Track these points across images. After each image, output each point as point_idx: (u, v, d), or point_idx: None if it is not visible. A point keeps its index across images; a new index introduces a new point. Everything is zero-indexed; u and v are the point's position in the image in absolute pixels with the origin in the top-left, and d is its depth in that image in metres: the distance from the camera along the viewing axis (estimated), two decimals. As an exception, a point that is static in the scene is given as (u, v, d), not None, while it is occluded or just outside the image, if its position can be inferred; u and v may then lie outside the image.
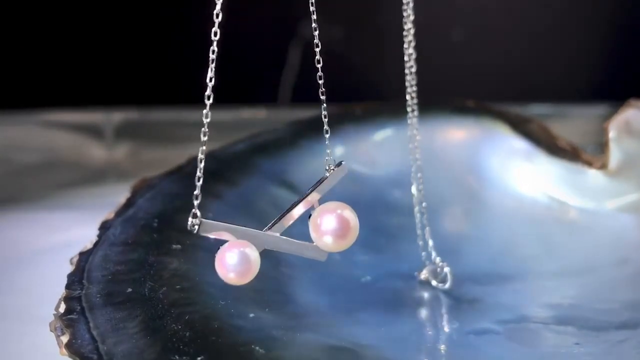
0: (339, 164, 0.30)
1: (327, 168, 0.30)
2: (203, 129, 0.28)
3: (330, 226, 0.29)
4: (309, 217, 0.30)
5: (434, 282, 0.37)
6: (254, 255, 0.29)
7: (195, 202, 0.29)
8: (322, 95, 0.29)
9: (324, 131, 0.30)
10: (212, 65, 0.27)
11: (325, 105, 0.29)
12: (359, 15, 0.66)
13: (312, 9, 0.29)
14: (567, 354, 0.32)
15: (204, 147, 0.29)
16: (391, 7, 0.64)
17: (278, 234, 0.30)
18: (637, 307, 0.35)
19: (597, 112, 0.63)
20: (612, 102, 0.57)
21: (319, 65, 0.29)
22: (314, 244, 0.30)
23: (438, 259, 0.37)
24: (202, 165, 0.29)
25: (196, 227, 0.29)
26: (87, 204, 0.52)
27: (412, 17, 0.36)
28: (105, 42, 0.68)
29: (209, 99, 0.28)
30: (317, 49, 0.29)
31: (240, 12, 0.66)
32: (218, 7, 0.28)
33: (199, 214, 0.29)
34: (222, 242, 0.29)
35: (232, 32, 0.66)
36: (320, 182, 0.30)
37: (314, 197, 0.30)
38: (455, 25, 0.67)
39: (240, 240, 0.29)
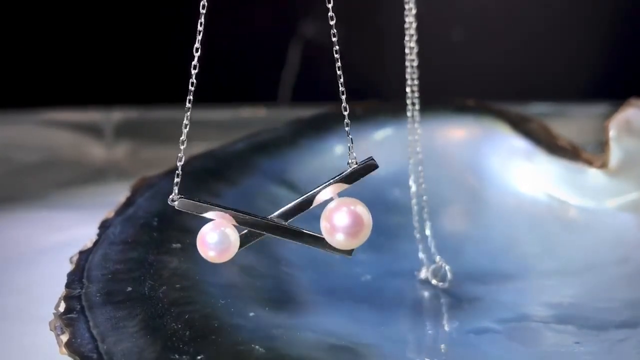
0: (368, 159, 0.29)
1: (350, 162, 0.29)
2: (188, 96, 0.28)
3: (342, 222, 0.28)
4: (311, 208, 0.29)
5: (433, 281, 0.37)
6: (233, 235, 0.29)
7: (176, 180, 0.29)
8: (343, 94, 0.29)
9: (345, 124, 0.29)
10: (199, 37, 0.28)
11: (344, 96, 0.29)
12: (359, 15, 0.66)
13: (330, 14, 0.29)
14: (567, 353, 0.32)
15: (187, 126, 0.29)
16: (391, 7, 0.64)
17: (285, 222, 0.29)
18: (637, 306, 0.35)
19: (597, 111, 0.63)
20: (612, 101, 0.57)
21: (338, 64, 0.28)
22: (324, 237, 0.29)
23: (438, 257, 0.37)
24: (183, 147, 0.29)
25: (175, 202, 0.29)
26: (87, 203, 0.52)
27: (414, 11, 0.36)
28: (105, 41, 0.68)
29: (195, 68, 0.28)
30: (337, 54, 0.29)
31: (240, 11, 0.66)
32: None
33: (176, 190, 0.29)
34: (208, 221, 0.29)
35: (232, 31, 0.66)
36: (342, 173, 0.29)
37: (338, 187, 0.29)
38: (455, 25, 0.67)
39: (221, 219, 0.29)
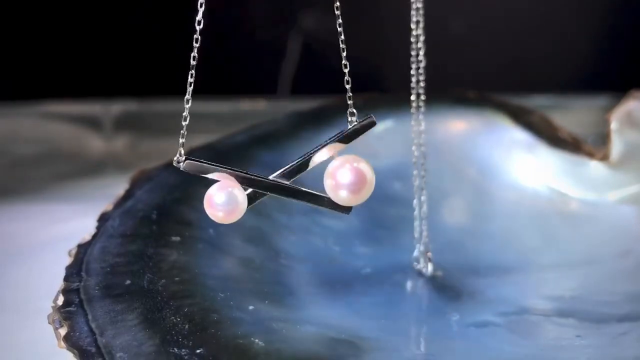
0: (367, 118, 0.29)
1: (350, 121, 0.29)
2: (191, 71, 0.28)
3: (346, 179, 0.28)
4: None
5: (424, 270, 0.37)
6: (241, 195, 0.29)
7: (181, 140, 0.29)
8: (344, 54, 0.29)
9: (345, 82, 0.29)
10: (198, 28, 0.27)
11: (348, 67, 0.29)
12: (359, 6, 0.66)
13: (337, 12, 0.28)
14: (568, 347, 0.32)
15: (190, 90, 0.28)
16: (392, -2, 0.64)
17: (287, 182, 0.29)
18: (638, 299, 0.35)
19: (599, 103, 0.63)
20: (614, 94, 0.57)
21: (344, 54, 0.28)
22: (328, 196, 0.29)
23: (422, 248, 0.37)
24: (188, 105, 0.29)
25: (181, 164, 0.29)
26: (85, 195, 0.52)
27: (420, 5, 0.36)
28: (104, 33, 0.67)
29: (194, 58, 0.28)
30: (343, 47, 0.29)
31: (239, 3, 0.65)
32: None
33: (182, 151, 0.29)
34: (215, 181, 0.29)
35: (232, 23, 0.66)
36: (342, 133, 0.29)
37: (338, 147, 0.29)
38: (455, 17, 0.67)
39: (227, 180, 0.29)
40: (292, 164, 0.29)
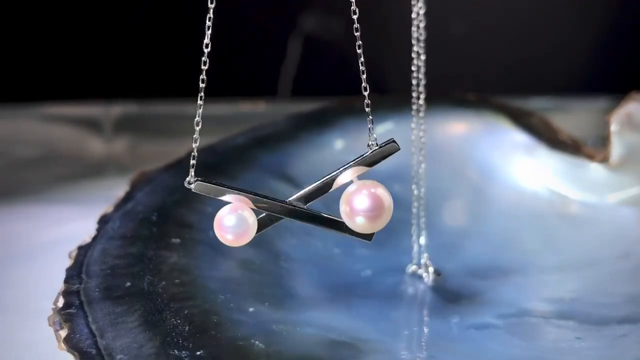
0: (390, 141, 0.29)
1: (370, 144, 0.29)
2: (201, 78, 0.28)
3: (362, 205, 0.27)
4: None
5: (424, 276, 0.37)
6: (251, 218, 0.28)
7: (192, 162, 0.29)
8: (363, 73, 0.28)
9: (365, 105, 0.28)
10: (208, 32, 0.27)
11: (364, 75, 0.28)
12: (360, 8, 0.66)
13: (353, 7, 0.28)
14: (568, 349, 0.32)
15: (201, 106, 0.28)
16: (393, 0, 0.64)
17: (304, 206, 0.29)
18: (638, 301, 0.35)
19: (599, 105, 0.63)
20: (614, 95, 0.57)
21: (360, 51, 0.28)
22: (343, 221, 0.28)
23: (425, 255, 0.37)
24: (198, 128, 0.28)
25: (191, 186, 0.28)
26: (86, 197, 0.52)
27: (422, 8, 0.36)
28: (104, 34, 0.67)
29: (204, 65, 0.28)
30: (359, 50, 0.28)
31: (239, 4, 0.66)
32: None
33: (192, 173, 0.29)
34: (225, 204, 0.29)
35: (232, 24, 0.66)
36: (362, 156, 0.28)
37: (358, 171, 0.28)
38: (456, 19, 0.67)
39: (239, 202, 0.28)
40: (310, 186, 0.29)
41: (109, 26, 0.67)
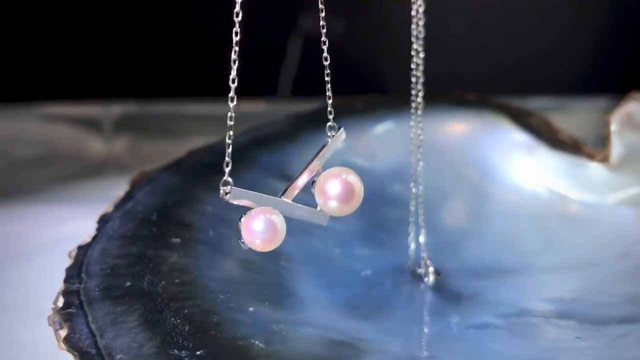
0: (337, 129, 0.31)
1: (330, 135, 0.31)
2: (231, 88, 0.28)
3: (335, 191, 0.29)
4: (312, 183, 0.30)
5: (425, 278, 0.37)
6: (280, 222, 0.29)
7: (227, 170, 0.29)
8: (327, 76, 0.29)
9: (327, 97, 0.30)
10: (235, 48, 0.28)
11: (328, 73, 0.29)
12: (360, 7, 0.66)
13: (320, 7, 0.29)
14: (568, 349, 0.32)
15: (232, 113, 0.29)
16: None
17: (290, 201, 0.30)
18: (638, 301, 0.35)
19: (599, 105, 0.63)
20: (614, 95, 0.56)
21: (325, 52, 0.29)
22: (319, 209, 0.30)
23: (425, 255, 0.37)
24: (231, 132, 0.29)
25: (228, 195, 0.28)
26: (85, 197, 0.52)
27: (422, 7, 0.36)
28: (104, 34, 0.67)
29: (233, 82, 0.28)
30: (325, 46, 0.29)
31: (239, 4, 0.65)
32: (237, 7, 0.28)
33: (231, 181, 0.28)
34: (246, 209, 0.29)
35: (231, 24, 0.66)
36: (321, 149, 0.30)
37: (316, 165, 0.30)
38: (455, 18, 0.67)
39: (264, 207, 0.29)
40: (284, 189, 0.30)
41: (109, 26, 0.67)
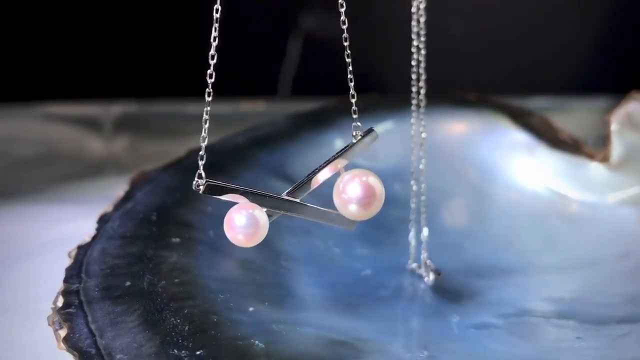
0: (369, 131, 0.30)
1: (354, 134, 0.30)
2: (208, 85, 0.28)
3: (355, 194, 0.28)
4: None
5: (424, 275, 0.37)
6: (262, 217, 0.28)
7: (200, 163, 0.29)
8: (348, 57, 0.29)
9: (350, 96, 0.29)
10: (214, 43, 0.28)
11: (350, 68, 0.29)
12: (359, 6, 0.66)
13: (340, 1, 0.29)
14: (568, 349, 0.31)
15: (209, 108, 0.28)
16: (392, -1, 0.64)
17: (298, 200, 0.29)
18: (638, 301, 0.35)
19: (599, 104, 0.63)
20: (614, 95, 0.56)
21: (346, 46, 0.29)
22: (338, 212, 0.29)
23: (425, 255, 0.37)
24: (206, 125, 0.29)
25: (201, 187, 0.28)
26: (85, 197, 0.52)
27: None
28: (104, 34, 0.67)
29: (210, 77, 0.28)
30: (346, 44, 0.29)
31: (239, 2, 0.65)
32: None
33: (204, 174, 0.28)
34: (233, 204, 0.29)
35: (231, 23, 0.66)
36: (347, 148, 0.30)
37: (341, 162, 0.29)
38: (455, 18, 0.67)
39: (250, 202, 0.29)
40: (299, 182, 0.30)
41: (109, 26, 0.67)
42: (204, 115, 0.28)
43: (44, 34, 0.67)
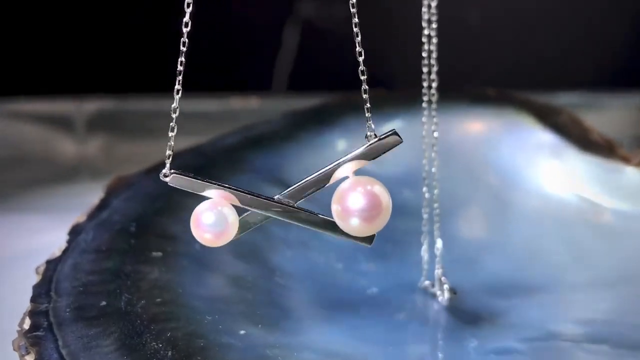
0: (391, 133, 0.28)
1: (369, 135, 0.28)
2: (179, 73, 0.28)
3: (357, 205, 0.27)
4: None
5: (438, 295, 0.37)
6: (231, 215, 0.28)
7: (168, 152, 0.29)
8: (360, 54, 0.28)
9: (362, 91, 0.28)
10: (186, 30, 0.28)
11: (363, 67, 0.28)
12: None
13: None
14: (601, 377, 0.32)
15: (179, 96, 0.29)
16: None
17: (293, 203, 0.29)
18: (679, 323, 0.35)
19: (635, 101, 0.63)
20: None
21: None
22: (335, 221, 0.28)
23: (440, 271, 0.37)
24: (175, 115, 0.29)
25: (167, 179, 0.29)
26: (55, 205, 0.52)
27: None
28: (77, 25, 0.67)
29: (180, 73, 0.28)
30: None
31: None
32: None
33: (168, 164, 0.29)
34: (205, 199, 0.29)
35: (221, 11, 0.66)
36: (360, 149, 0.28)
37: (353, 167, 0.28)
38: (471, 6, 0.67)
39: (220, 199, 0.28)
40: (300, 183, 0.29)
41: (81, 15, 0.67)
42: (174, 103, 0.28)
43: (10, 24, 0.67)
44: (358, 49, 0.28)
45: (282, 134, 0.44)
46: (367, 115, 0.28)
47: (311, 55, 0.67)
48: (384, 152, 0.28)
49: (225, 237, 0.28)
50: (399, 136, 0.28)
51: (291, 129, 0.44)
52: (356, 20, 0.28)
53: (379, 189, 0.28)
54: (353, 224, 0.28)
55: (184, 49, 0.28)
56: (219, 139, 0.43)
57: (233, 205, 0.29)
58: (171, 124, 0.29)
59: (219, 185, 0.29)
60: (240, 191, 0.29)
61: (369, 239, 0.29)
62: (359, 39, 0.28)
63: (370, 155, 0.28)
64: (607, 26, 0.68)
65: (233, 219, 0.28)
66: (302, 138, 0.43)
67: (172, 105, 0.28)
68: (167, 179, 0.29)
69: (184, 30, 0.28)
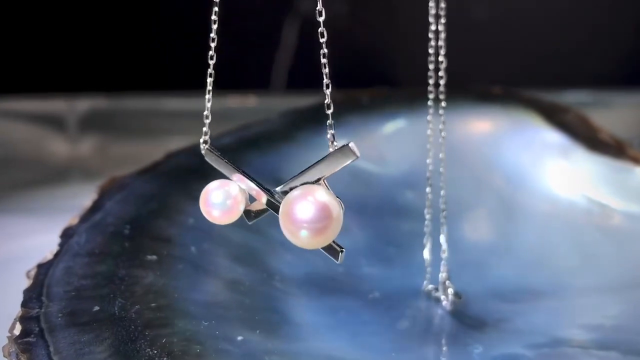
0: (344, 147, 0.28)
1: (330, 144, 0.29)
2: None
3: (306, 215, 0.27)
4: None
5: (442, 300, 0.37)
6: (240, 195, 0.30)
7: (206, 121, 0.31)
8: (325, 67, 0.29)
9: (326, 106, 0.29)
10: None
11: (327, 70, 0.29)
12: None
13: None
14: (610, 384, 0.32)
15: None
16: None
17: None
18: (691, 329, 0.35)
19: (645, 100, 0.63)
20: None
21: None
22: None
23: (444, 274, 0.37)
24: (211, 79, 0.30)
25: (203, 151, 0.30)
26: (46, 207, 0.52)
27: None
28: (70, 22, 0.67)
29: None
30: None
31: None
32: None
33: (208, 139, 0.31)
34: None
35: (220, 8, 0.66)
36: (313, 166, 0.29)
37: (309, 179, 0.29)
38: (477, 4, 0.67)
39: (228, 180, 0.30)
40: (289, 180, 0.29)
41: (75, 13, 0.67)
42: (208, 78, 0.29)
43: (0, 23, 0.67)
44: (325, 71, 0.28)
45: (281, 133, 0.44)
46: (329, 122, 0.29)
47: (310, 53, 0.67)
48: (337, 169, 0.28)
49: (232, 214, 0.29)
50: (354, 150, 0.28)
51: (290, 129, 0.44)
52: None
53: (327, 197, 0.27)
54: (302, 237, 0.27)
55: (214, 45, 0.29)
56: (215, 139, 0.43)
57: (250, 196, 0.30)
58: (208, 87, 0.29)
59: (242, 172, 0.30)
60: (258, 183, 0.30)
61: (336, 255, 0.28)
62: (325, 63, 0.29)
63: (332, 169, 0.28)
64: (615, 23, 0.68)
65: (241, 198, 0.30)
66: (301, 138, 0.43)
67: (208, 87, 0.29)
68: (202, 150, 0.31)
69: (213, 27, 0.29)
